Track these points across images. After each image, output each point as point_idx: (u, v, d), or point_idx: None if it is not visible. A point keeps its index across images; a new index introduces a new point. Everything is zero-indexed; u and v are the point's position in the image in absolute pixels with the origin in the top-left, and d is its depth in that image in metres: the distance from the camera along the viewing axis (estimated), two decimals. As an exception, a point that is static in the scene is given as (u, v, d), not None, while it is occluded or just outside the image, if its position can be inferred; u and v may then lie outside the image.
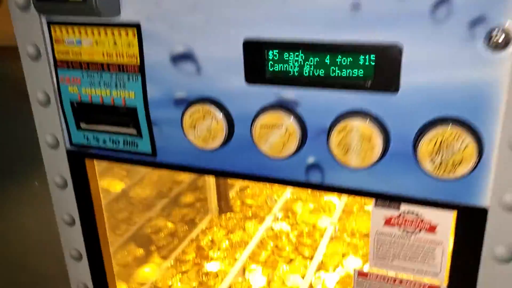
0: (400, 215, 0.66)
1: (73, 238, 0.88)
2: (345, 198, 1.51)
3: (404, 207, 0.66)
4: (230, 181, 1.58)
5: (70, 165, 0.81)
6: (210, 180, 1.47)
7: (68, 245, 0.90)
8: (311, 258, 1.26)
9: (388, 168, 0.61)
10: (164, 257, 1.30)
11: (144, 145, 0.75)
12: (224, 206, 1.49)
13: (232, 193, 1.59)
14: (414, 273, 0.69)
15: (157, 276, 1.21)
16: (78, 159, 0.81)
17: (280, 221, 1.45)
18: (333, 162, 0.63)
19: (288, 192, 1.57)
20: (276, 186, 1.62)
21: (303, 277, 1.19)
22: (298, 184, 0.68)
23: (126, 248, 1.31)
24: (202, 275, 1.20)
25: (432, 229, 0.66)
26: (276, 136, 0.63)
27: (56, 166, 0.82)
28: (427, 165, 0.57)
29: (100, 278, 0.90)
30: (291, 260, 1.27)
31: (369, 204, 1.49)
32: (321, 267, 1.24)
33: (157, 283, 1.19)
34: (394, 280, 0.71)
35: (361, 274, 0.73)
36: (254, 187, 1.63)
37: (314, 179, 0.66)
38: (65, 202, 0.85)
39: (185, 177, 1.58)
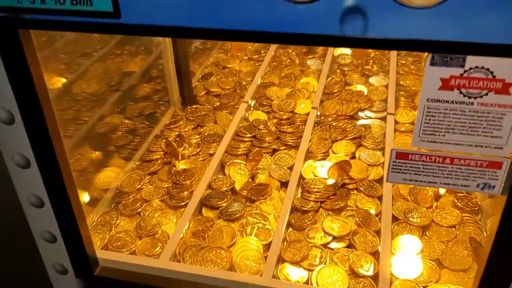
0: (464, 72, 0.50)
1: (15, 141, 0.67)
2: (324, 80, 1.35)
3: (470, 62, 0.50)
4: (192, 68, 1.36)
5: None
6: (170, 67, 1.25)
7: (9, 149, 0.69)
8: (297, 146, 1.12)
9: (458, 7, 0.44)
10: (127, 159, 1.11)
11: (101, 2, 0.53)
12: (188, 97, 1.29)
13: (194, 82, 1.39)
14: (472, 149, 0.55)
15: (121, 180, 1.03)
16: (9, 29, 0.57)
17: (254, 110, 1.28)
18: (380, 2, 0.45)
19: (259, 77, 1.38)
20: (244, 71, 1.42)
21: (290, 168, 1.05)
22: (327, 41, 0.49)
23: (79, 151, 1.11)
24: (174, 175, 1.03)
25: (505, 88, 0.51)
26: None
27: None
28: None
29: (54, 186, 0.71)
30: (274, 151, 1.12)
31: (357, 83, 1.35)
32: (308, 156, 1.10)
33: (123, 187, 1.02)
34: (444, 159, 0.57)
35: (400, 155, 0.59)
36: (219, 73, 1.43)
37: (352, 30, 0.47)
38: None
39: (136, 67, 1.36)
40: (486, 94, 0.51)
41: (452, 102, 0.52)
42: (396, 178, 0.60)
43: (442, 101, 0.53)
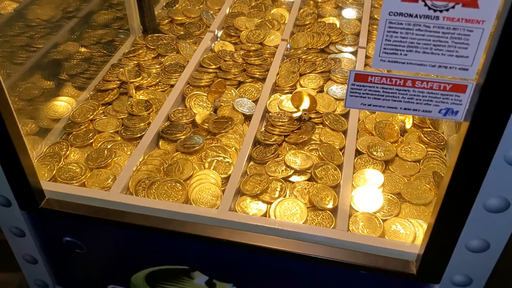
0: (430, -19, 0.45)
1: None
2: (296, 11, 1.27)
3: (438, -32, 0.44)
4: (154, -6, 1.27)
5: None
6: (130, -7, 1.16)
7: None
8: (263, 79, 1.06)
9: None
10: (81, 88, 1.04)
11: None
12: (150, 25, 1.21)
13: (157, 10, 1.30)
14: (435, 70, 0.50)
15: (73, 110, 0.97)
16: None
17: (221, 41, 1.20)
18: None
19: (228, 6, 1.30)
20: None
21: (256, 101, 1.00)
22: None
23: (29, 79, 1.04)
24: (130, 105, 0.97)
25: (474, 0, 0.46)
26: None
27: None
28: None
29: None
30: (240, 84, 1.07)
31: (330, 15, 1.28)
32: (275, 89, 1.05)
33: (74, 118, 0.96)
34: (406, 81, 0.53)
35: (359, 77, 0.54)
36: (185, 0, 1.34)
37: None
38: None
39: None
40: (453, 7, 0.46)
41: (416, 16, 0.47)
42: (354, 103, 0.55)
43: (405, 15, 0.47)
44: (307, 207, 0.79)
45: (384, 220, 0.76)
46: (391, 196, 0.80)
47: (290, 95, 1.01)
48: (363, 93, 0.54)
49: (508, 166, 0.53)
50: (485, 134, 0.51)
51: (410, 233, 0.74)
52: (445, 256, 0.64)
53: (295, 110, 0.97)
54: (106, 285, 0.87)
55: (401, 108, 0.54)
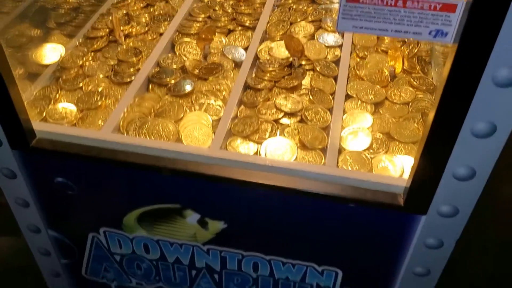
0: None
1: None
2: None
3: None
4: None
5: None
6: None
7: None
8: (254, 28, 1.06)
9: None
10: (70, 36, 1.03)
11: None
12: (138, -25, 1.19)
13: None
14: (426, -12, 0.51)
15: (63, 56, 0.96)
16: None
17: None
18: None
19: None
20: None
21: (246, 49, 1.00)
22: None
23: (17, 28, 1.03)
24: (120, 53, 0.97)
25: None
26: None
27: None
28: None
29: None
30: (230, 31, 1.06)
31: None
32: (265, 38, 1.05)
33: (64, 63, 0.95)
34: (397, 2, 0.53)
35: (351, -3, 0.54)
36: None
37: None
38: None
39: None
40: None
41: None
42: (346, 25, 0.55)
43: None
44: (297, 147, 0.80)
45: (372, 158, 0.78)
46: (379, 135, 0.81)
47: (281, 41, 1.00)
48: (355, 15, 0.54)
49: (496, 88, 0.54)
50: (473, 55, 0.52)
51: (398, 169, 0.75)
52: (432, 186, 0.66)
53: (286, 57, 0.97)
54: (98, 227, 0.88)
55: (391, 30, 0.55)
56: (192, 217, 0.81)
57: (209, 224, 0.81)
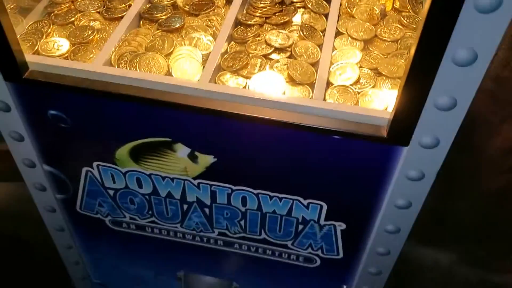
0: None
1: None
2: None
3: None
4: None
5: None
6: None
7: None
8: (246, -34, 1.05)
9: None
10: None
11: None
12: None
13: None
14: None
15: (55, -7, 0.96)
16: None
17: None
18: None
19: None
20: None
21: (237, -13, 0.99)
22: None
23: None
24: (112, -11, 0.96)
25: None
26: None
27: None
28: None
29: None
30: (221, -31, 1.05)
31: None
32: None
33: (55, -2, 0.95)
34: None
35: None
36: None
37: None
38: None
39: None
40: None
41: None
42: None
43: None
44: (286, 82, 0.81)
45: (359, 93, 0.79)
46: (367, 71, 0.82)
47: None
48: None
49: (478, 14, 0.55)
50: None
51: (383, 103, 0.77)
52: (415, 116, 0.67)
53: (278, -6, 0.97)
54: (92, 162, 0.90)
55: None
56: (182, 151, 0.83)
57: (199, 158, 0.84)
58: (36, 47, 0.85)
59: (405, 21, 0.90)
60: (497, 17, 0.55)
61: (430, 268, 1.87)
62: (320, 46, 0.87)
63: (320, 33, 0.90)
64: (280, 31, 0.89)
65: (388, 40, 0.87)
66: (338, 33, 0.90)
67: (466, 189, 1.64)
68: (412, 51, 0.60)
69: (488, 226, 1.74)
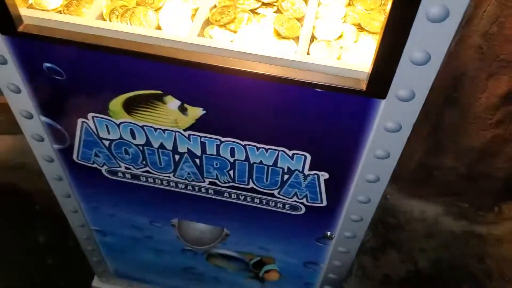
0: None
1: None
2: None
3: None
4: None
5: None
6: None
7: None
8: None
9: None
10: None
11: None
12: None
13: None
14: None
15: None
16: None
17: None
18: None
19: None
20: None
21: None
22: None
23: None
24: None
25: None
26: None
27: None
28: None
29: None
30: None
31: None
32: None
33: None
34: None
35: None
36: None
37: None
38: None
39: None
40: None
41: None
42: None
43: None
44: (272, 36, 0.84)
45: (342, 47, 0.82)
46: (351, 26, 0.85)
47: None
48: None
49: (449, -29, 0.58)
50: None
51: (365, 58, 0.80)
52: (391, 70, 0.71)
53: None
54: (87, 113, 0.94)
55: None
56: (173, 103, 0.87)
57: (189, 110, 0.87)
58: (30, 1, 0.87)
59: (390, -23, 0.92)
60: (467, -25, 0.58)
61: (417, 220, 1.95)
62: (306, 0, 0.90)
63: (307, -12, 0.92)
64: (268, -14, 0.91)
65: (373, -5, 0.90)
66: (324, -11, 0.92)
67: (452, 145, 1.69)
68: (389, 7, 0.63)
69: (472, 180, 1.81)
